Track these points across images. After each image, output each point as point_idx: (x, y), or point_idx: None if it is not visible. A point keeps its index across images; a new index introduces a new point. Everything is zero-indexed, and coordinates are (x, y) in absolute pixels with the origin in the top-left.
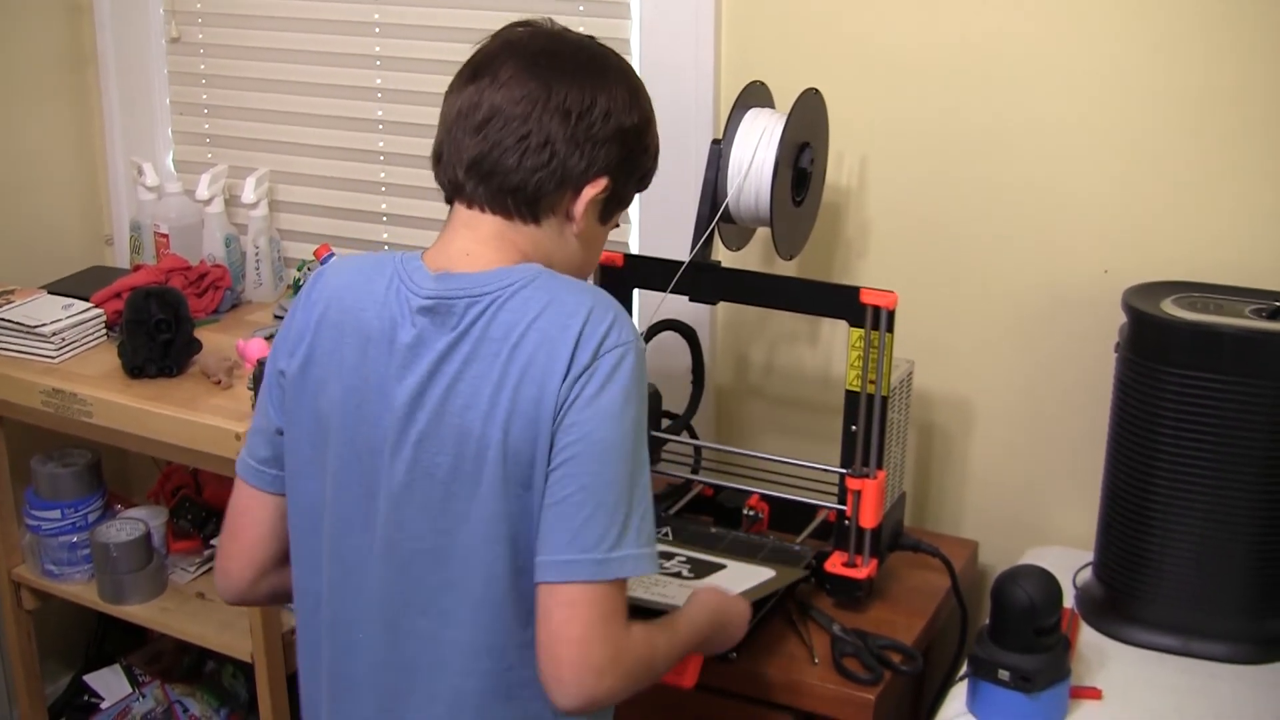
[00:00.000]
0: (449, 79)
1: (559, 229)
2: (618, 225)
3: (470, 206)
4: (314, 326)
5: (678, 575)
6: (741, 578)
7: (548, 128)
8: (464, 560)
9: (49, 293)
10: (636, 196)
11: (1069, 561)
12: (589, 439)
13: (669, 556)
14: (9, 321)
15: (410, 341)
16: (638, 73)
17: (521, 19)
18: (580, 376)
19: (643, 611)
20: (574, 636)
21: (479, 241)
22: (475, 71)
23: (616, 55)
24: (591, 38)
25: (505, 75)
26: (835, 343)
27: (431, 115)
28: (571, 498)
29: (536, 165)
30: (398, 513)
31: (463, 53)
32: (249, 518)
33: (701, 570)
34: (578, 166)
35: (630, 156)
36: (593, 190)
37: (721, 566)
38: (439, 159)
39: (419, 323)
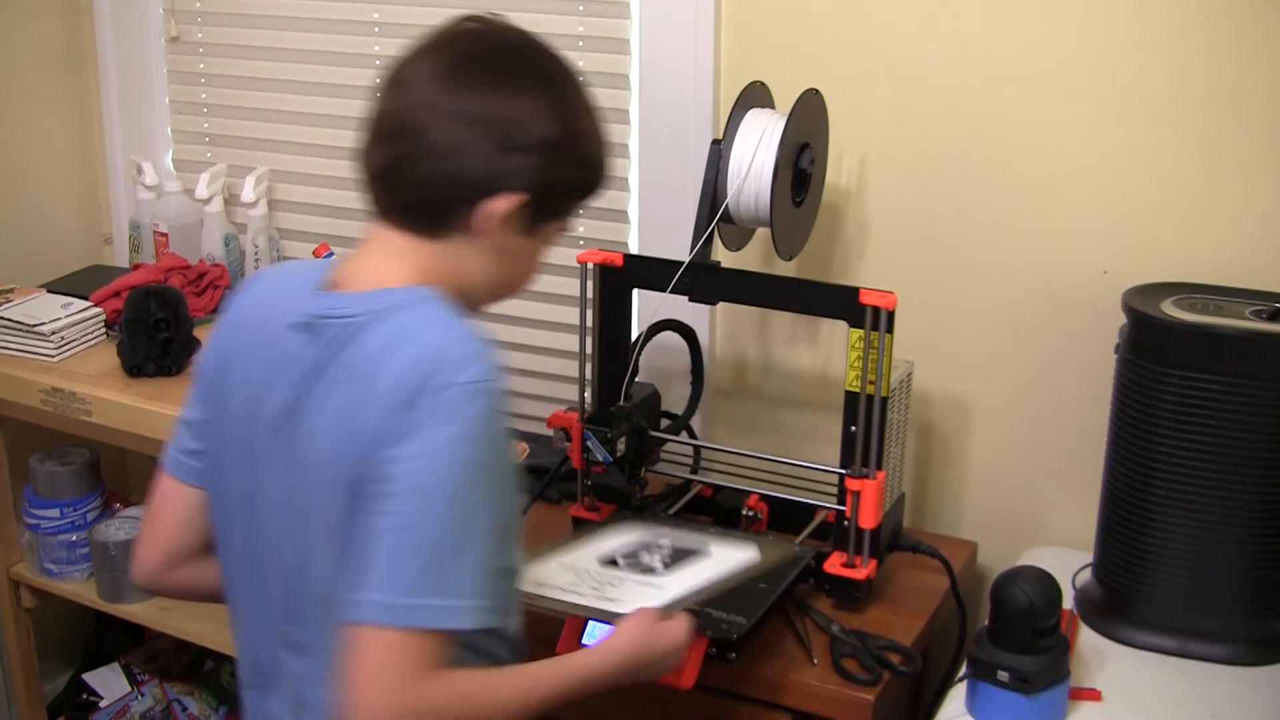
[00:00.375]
0: None
1: (468, 245)
2: (558, 239)
3: (379, 219)
4: (231, 327)
5: (651, 570)
6: (720, 564)
7: (450, 138)
8: (318, 578)
9: (48, 291)
10: (633, 196)
11: (1068, 562)
12: (412, 477)
13: (647, 550)
14: (8, 320)
15: (285, 357)
16: (633, 75)
17: (473, 14)
18: (420, 411)
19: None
20: (361, 679)
21: (379, 256)
22: (390, 76)
23: (553, 61)
24: (534, 41)
25: (417, 81)
26: (834, 343)
27: None
28: (383, 536)
29: (436, 178)
30: (266, 525)
31: None
32: (165, 506)
33: (681, 560)
34: (482, 180)
35: (552, 169)
36: (505, 205)
37: (705, 554)
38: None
39: (296, 339)
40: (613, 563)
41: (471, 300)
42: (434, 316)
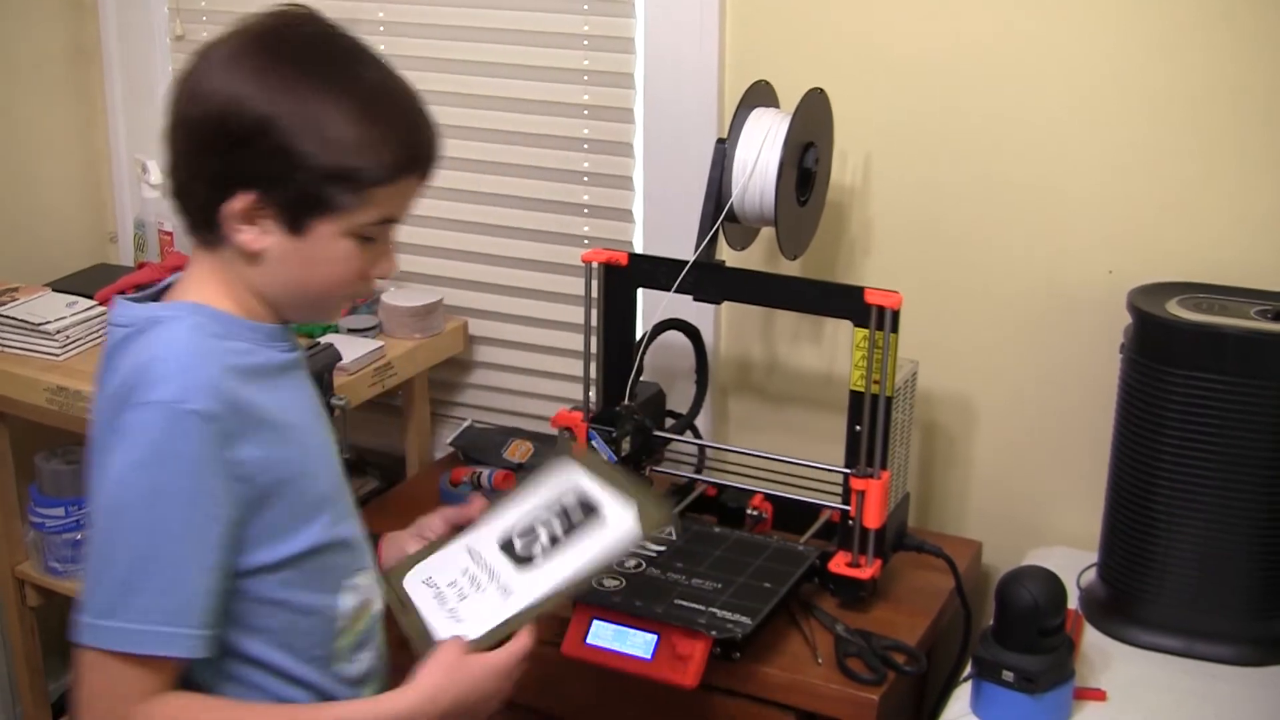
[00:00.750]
0: (454, 77)
1: (237, 254)
2: (374, 233)
3: None
4: None
5: (528, 560)
6: (596, 543)
7: (178, 143)
8: None
9: (53, 290)
10: (637, 196)
11: (1072, 562)
12: (101, 496)
13: (545, 523)
14: (13, 319)
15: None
16: (638, 73)
17: (276, 8)
18: (116, 430)
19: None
20: (78, 700)
21: (188, 270)
22: None
23: (294, 44)
24: (291, 27)
25: (176, 87)
26: (839, 342)
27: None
28: (88, 555)
29: (182, 187)
30: None
31: (468, 51)
32: None
33: (570, 533)
34: (211, 181)
35: (268, 159)
36: (239, 204)
37: (597, 520)
38: None
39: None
40: (509, 545)
41: (286, 311)
42: (164, 335)
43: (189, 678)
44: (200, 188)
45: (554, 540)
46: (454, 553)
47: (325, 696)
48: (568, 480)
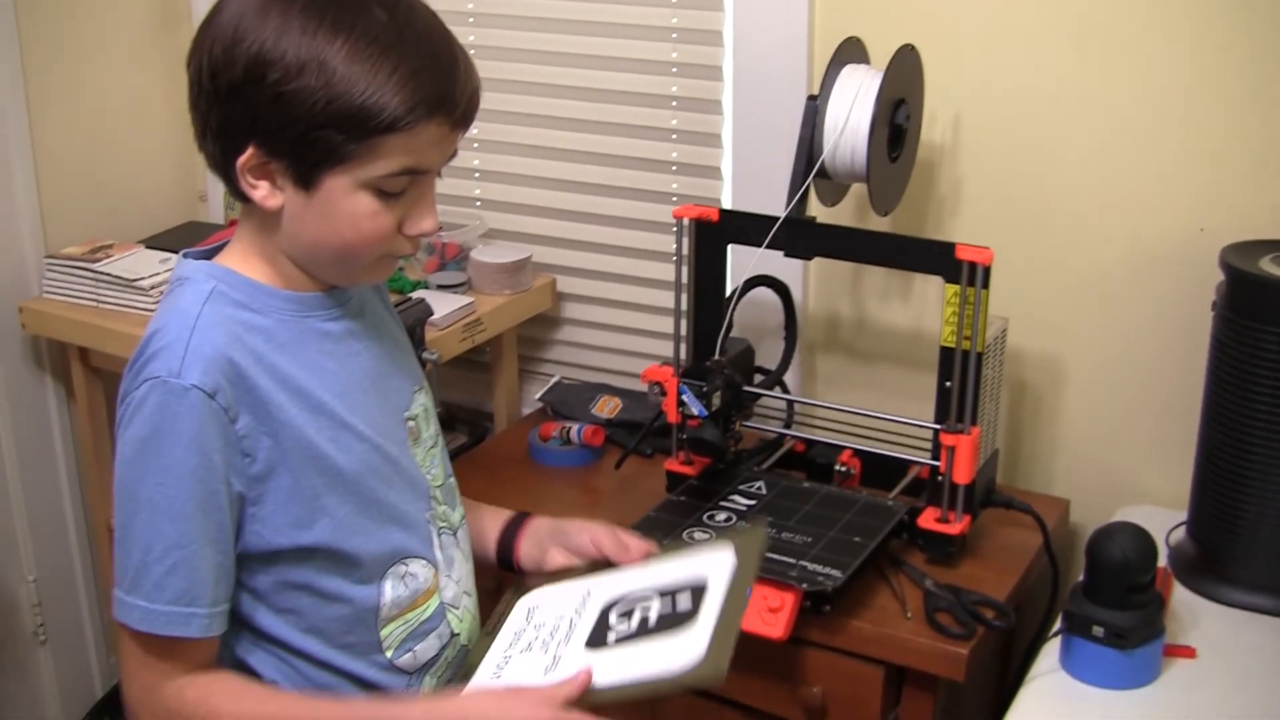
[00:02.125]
0: (542, 35)
1: (254, 209)
2: (390, 185)
3: None
4: None
5: (613, 635)
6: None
7: (190, 97)
8: None
9: (146, 248)
10: (726, 153)
11: (1161, 521)
12: (116, 472)
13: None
14: (109, 275)
15: None
16: (727, 32)
17: None
18: (122, 401)
19: None
20: (122, 673)
21: (235, 233)
22: None
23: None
24: None
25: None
26: (927, 299)
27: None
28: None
29: (199, 144)
30: None
31: (557, 9)
32: None
33: (663, 626)
34: (210, 139)
35: (266, 107)
36: (245, 158)
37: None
38: None
39: None
40: (608, 612)
41: (318, 272)
42: (175, 302)
43: (232, 651)
44: (212, 143)
45: (644, 626)
46: (572, 591)
47: (365, 684)
48: (711, 567)
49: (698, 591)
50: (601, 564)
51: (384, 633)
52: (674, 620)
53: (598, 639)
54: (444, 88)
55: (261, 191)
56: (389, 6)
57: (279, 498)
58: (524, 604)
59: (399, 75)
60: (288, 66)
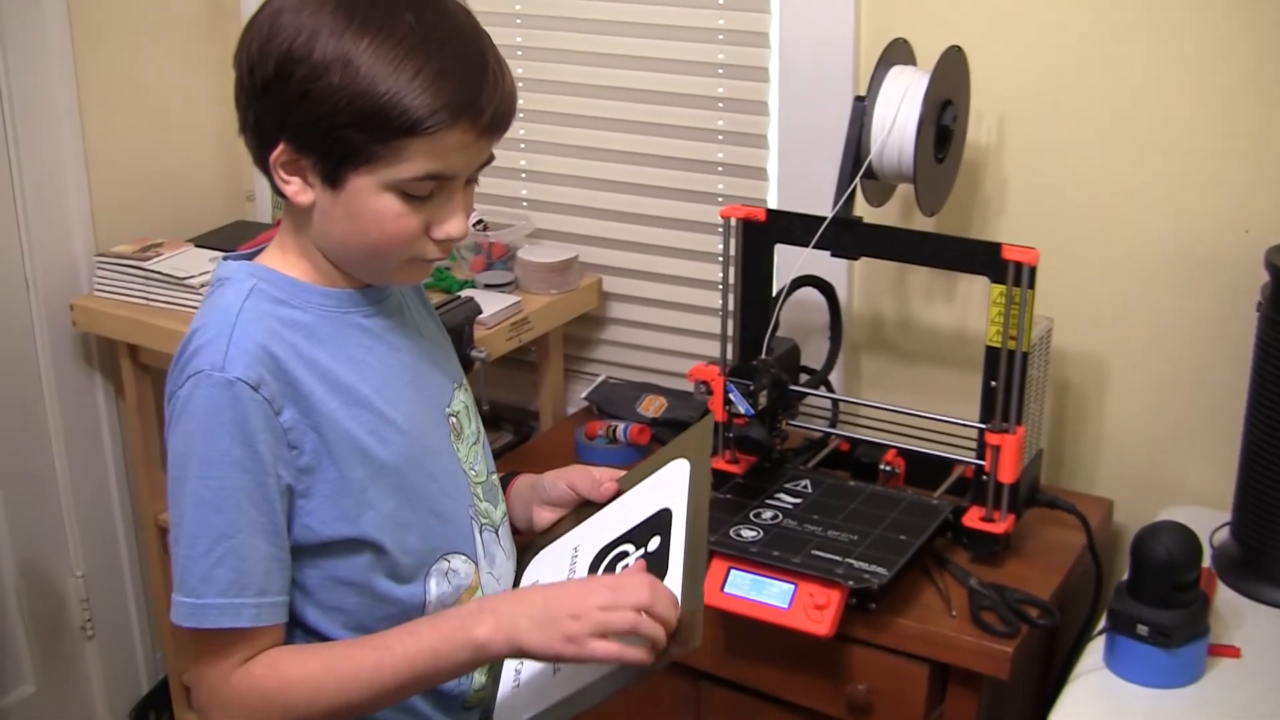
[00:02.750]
0: (589, 37)
1: (291, 206)
2: (413, 189)
3: None
4: None
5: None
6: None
7: (234, 93)
8: None
9: (195, 246)
10: (771, 154)
11: (1205, 521)
12: (168, 473)
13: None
14: (159, 273)
15: None
16: (773, 33)
17: None
18: (169, 398)
19: None
20: (191, 676)
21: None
22: None
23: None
24: None
25: None
26: (971, 299)
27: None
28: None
29: (244, 140)
30: None
31: (604, 10)
32: None
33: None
34: (249, 134)
35: (294, 104)
36: (278, 155)
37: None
38: None
39: None
40: (598, 560)
41: (351, 270)
42: (217, 300)
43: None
44: (250, 139)
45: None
46: (562, 551)
47: None
48: (670, 486)
49: (664, 524)
50: (583, 505)
51: None
52: (649, 567)
53: None
54: (470, 93)
55: (294, 187)
56: (419, 9)
57: (326, 490)
58: (527, 578)
59: (422, 78)
60: (314, 65)
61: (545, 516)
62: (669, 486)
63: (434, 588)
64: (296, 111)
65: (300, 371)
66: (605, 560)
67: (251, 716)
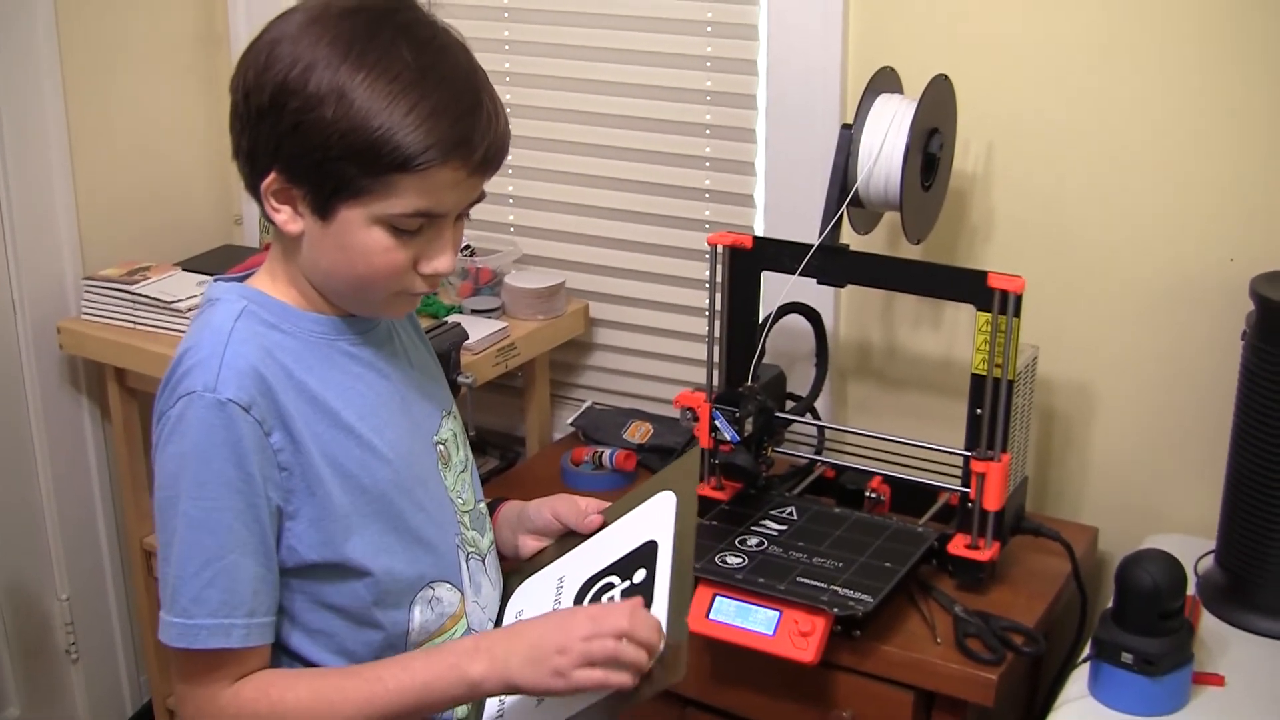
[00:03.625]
0: (575, 63)
1: (281, 234)
2: (402, 223)
3: None
4: None
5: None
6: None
7: (230, 118)
8: None
9: (183, 270)
10: (758, 181)
11: (1190, 549)
12: (155, 493)
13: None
14: (146, 297)
15: None
16: (761, 60)
17: None
18: (158, 418)
19: None
20: (176, 694)
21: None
22: None
23: (328, 17)
24: (320, 7)
25: None
26: (958, 327)
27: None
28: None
29: (238, 166)
30: None
31: (591, 38)
32: None
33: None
34: (241, 161)
35: (285, 135)
36: (269, 183)
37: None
38: None
39: None
40: (582, 595)
41: (337, 300)
42: (207, 320)
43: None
44: (243, 165)
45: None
46: (547, 582)
47: None
48: (656, 519)
49: (649, 557)
50: (567, 535)
51: None
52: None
53: None
54: (462, 131)
55: (284, 216)
56: (418, 46)
57: (311, 514)
58: (512, 608)
59: (415, 114)
60: (309, 97)
61: (530, 545)
62: (655, 519)
63: (418, 615)
64: (289, 142)
65: (289, 395)
66: (591, 592)
67: None
